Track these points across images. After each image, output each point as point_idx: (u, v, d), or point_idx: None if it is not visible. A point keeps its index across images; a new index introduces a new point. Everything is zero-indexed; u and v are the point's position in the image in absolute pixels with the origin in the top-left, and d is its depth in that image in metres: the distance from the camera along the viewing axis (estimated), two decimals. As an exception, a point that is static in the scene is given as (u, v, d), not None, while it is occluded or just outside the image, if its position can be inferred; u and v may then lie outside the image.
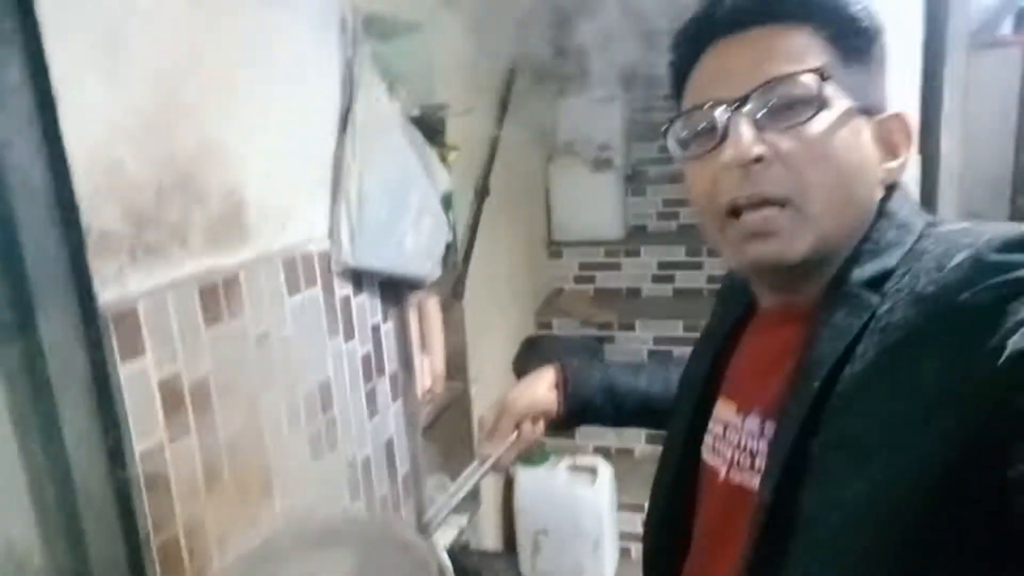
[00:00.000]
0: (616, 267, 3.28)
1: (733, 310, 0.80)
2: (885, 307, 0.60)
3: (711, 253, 3.14)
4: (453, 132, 1.93)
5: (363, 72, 1.40)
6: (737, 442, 0.71)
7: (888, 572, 0.57)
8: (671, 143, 0.71)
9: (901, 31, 1.79)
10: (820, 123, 0.62)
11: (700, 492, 0.77)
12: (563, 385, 0.98)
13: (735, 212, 0.65)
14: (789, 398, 0.64)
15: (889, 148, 0.67)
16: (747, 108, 0.63)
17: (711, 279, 3.15)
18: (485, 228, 2.31)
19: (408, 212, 1.45)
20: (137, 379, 0.92)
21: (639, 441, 2.86)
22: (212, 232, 1.07)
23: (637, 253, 3.25)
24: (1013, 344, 0.50)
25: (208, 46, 1.05)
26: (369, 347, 1.51)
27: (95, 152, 0.87)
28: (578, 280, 3.33)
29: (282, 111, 1.22)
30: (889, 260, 0.63)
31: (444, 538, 2.01)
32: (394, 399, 1.62)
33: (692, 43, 0.69)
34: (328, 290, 1.35)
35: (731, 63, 0.66)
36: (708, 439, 0.76)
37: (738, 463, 0.70)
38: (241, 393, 1.11)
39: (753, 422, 0.70)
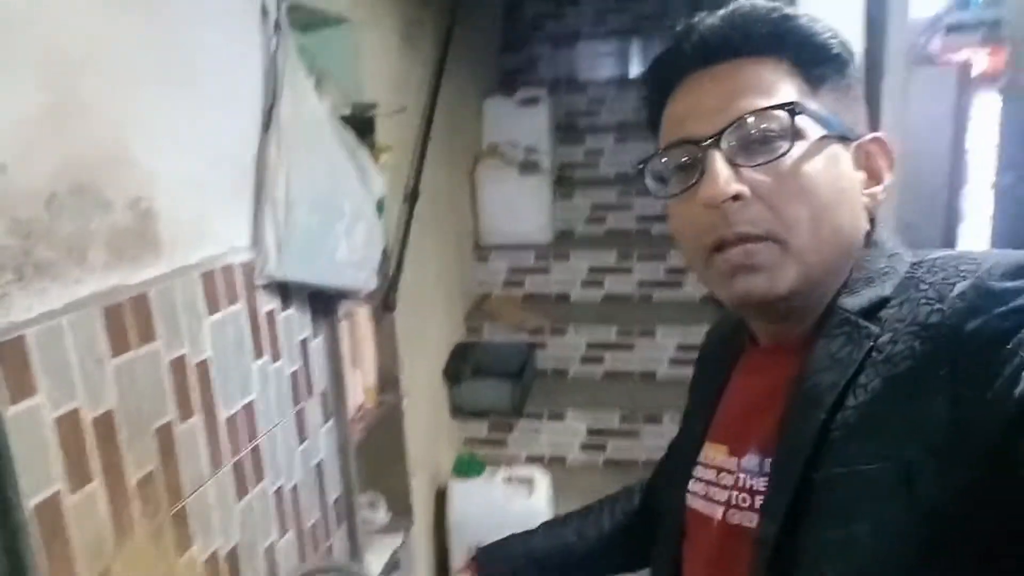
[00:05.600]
0: (545, 271, 3.22)
1: (721, 361, 0.78)
2: (885, 337, 0.58)
3: (641, 258, 3.13)
4: (382, 133, 1.83)
5: (288, 65, 1.27)
6: (733, 483, 0.68)
7: None
8: (649, 180, 0.69)
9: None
10: (795, 157, 0.61)
11: (688, 542, 0.74)
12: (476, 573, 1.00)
13: (719, 247, 0.64)
14: (789, 430, 0.62)
15: (871, 173, 0.66)
16: (721, 145, 0.62)
17: (641, 283, 3.14)
18: (414, 233, 2.21)
19: (341, 219, 1.33)
20: (27, 421, 0.78)
21: (572, 449, 2.82)
22: (116, 246, 0.93)
23: (566, 257, 3.20)
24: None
25: (111, 36, 0.92)
26: (297, 365, 1.39)
27: (-30, 154, 0.73)
28: (507, 285, 3.26)
29: (197, 109, 1.09)
30: (883, 289, 0.62)
31: (379, 559, 1.90)
32: (324, 419, 1.50)
33: (664, 78, 0.68)
34: (252, 305, 1.22)
35: (703, 99, 0.64)
36: (697, 486, 0.73)
37: (736, 504, 0.67)
38: (153, 427, 0.98)
39: (751, 460, 0.67)
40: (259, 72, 1.25)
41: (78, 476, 0.84)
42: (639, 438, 2.76)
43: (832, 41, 0.64)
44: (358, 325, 1.77)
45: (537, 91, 3.35)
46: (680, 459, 0.78)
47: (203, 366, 1.09)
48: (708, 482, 0.71)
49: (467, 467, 2.45)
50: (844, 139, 0.64)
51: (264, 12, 1.25)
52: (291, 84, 1.27)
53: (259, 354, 1.24)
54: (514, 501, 2.36)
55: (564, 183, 3.48)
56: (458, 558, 2.45)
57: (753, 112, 0.61)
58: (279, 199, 1.22)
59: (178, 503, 1.03)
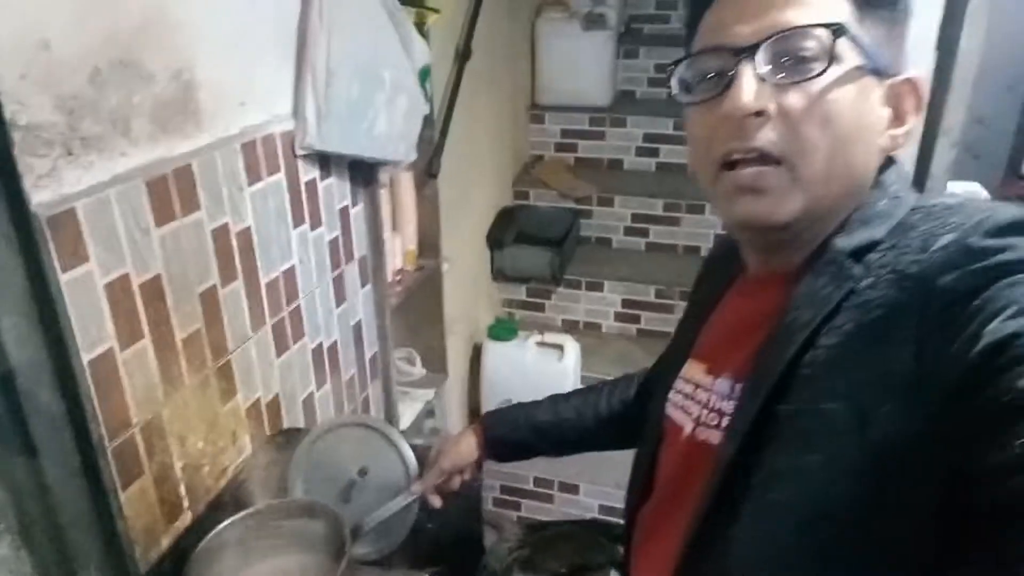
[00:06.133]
0: (600, 136, 3.15)
1: (720, 278, 0.80)
2: (867, 281, 0.59)
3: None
4: (433, -11, 1.75)
5: (332, -77, 1.22)
6: (706, 401, 0.72)
7: (839, 543, 0.59)
8: (674, 83, 0.68)
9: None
10: (827, 81, 0.60)
11: (662, 446, 0.79)
12: (482, 437, 1.08)
13: (730, 165, 0.64)
14: (761, 361, 0.64)
15: (897, 114, 0.65)
16: (755, 58, 0.60)
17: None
18: (466, 92, 2.17)
19: (381, 90, 1.32)
20: (81, 286, 0.85)
21: (607, 318, 2.89)
22: (159, 118, 0.96)
23: (623, 123, 3.11)
24: (989, 333, 0.49)
25: None
26: (337, 232, 1.44)
27: (15, 32, 0.75)
28: (559, 148, 3.21)
29: (238, -29, 1.07)
30: (877, 231, 0.62)
31: (411, 410, 2.05)
32: (363, 284, 1.58)
33: None
34: (292, 175, 1.25)
35: (745, 8, 0.62)
36: (676, 397, 0.77)
37: (705, 421, 0.71)
38: (198, 291, 1.05)
39: (724, 384, 0.70)
40: (303, -71, 1.20)
41: (129, 334, 0.93)
42: (674, 312, 2.80)
43: None
44: (400, 191, 1.80)
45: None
46: (667, 368, 0.83)
47: (245, 234, 1.14)
48: (685, 395, 0.76)
49: (500, 331, 2.55)
50: (879, 74, 0.62)
51: None
52: (335, -57, 1.22)
53: (299, 222, 1.29)
54: (544, 364, 2.48)
55: (630, 39, 3.30)
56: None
57: (794, 27, 0.60)
58: (319, 68, 1.21)
59: (222, 358, 1.12)
